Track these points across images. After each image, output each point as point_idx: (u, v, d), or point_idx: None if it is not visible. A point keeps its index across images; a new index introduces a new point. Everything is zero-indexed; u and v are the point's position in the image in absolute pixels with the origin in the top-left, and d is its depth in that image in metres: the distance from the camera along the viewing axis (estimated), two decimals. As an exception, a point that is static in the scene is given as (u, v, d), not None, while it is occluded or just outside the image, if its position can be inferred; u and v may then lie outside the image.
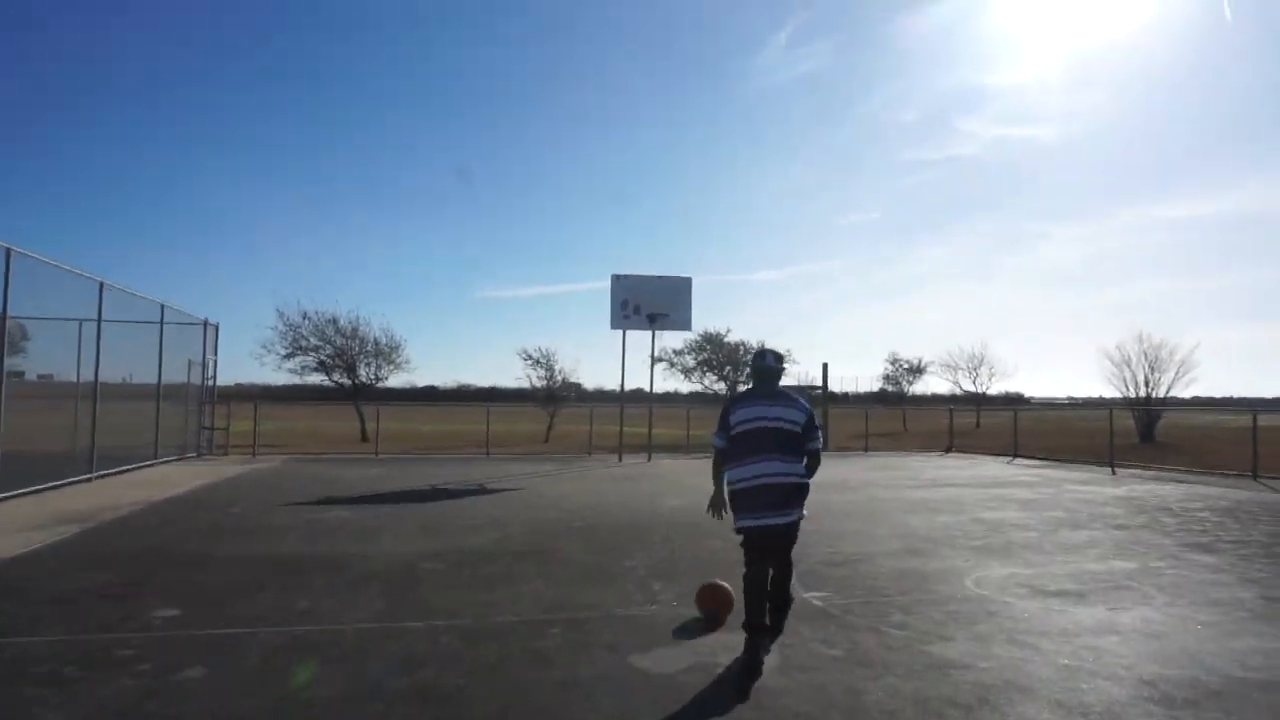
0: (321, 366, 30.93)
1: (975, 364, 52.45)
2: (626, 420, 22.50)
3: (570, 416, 33.72)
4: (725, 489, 5.05)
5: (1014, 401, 65.92)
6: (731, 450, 4.98)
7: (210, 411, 21.05)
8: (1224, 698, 4.19)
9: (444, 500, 12.11)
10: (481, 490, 13.45)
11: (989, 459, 22.13)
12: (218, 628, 5.29)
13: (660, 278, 19.73)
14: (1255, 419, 17.41)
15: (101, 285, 14.08)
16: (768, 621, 4.97)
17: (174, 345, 18.67)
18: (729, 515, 5.03)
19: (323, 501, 11.62)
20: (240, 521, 9.76)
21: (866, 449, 25.43)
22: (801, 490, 4.94)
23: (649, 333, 20.29)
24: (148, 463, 16.79)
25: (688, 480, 15.24)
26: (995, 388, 55.34)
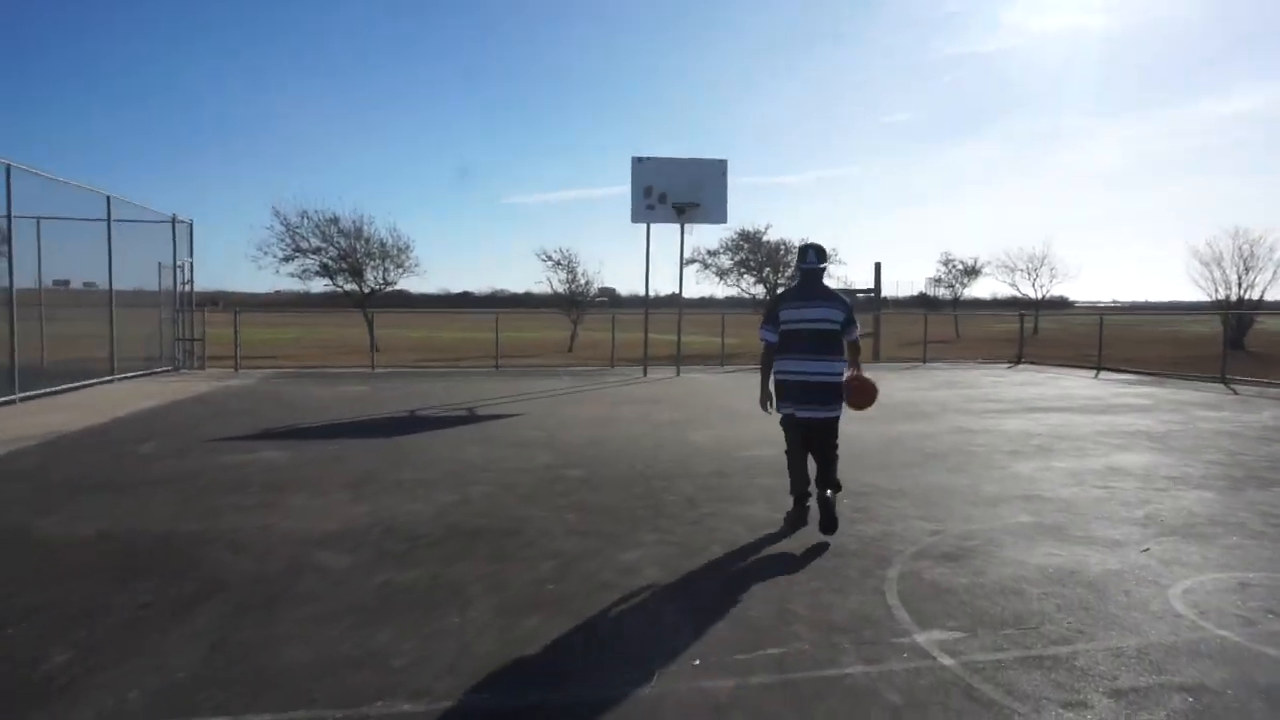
0: (325, 270, 28.42)
1: (1035, 265, 48.52)
2: (660, 327, 19.87)
3: (599, 323, 31.17)
4: (771, 382, 5.44)
5: (1058, 306, 61.82)
6: (780, 345, 5.36)
7: (189, 320, 18.82)
8: None
9: (412, 434, 9.66)
10: (468, 418, 10.98)
11: (1068, 372, 19.22)
12: None
13: (689, 160, 16.45)
14: None
15: (8, 168, 11.54)
16: (813, 505, 5.31)
17: (134, 246, 16.29)
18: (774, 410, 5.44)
19: (261, 436, 9.24)
20: (130, 470, 7.40)
21: (925, 359, 22.60)
22: (840, 388, 5.32)
23: (678, 229, 17.37)
24: (102, 379, 14.61)
25: (720, 402, 12.66)
26: (1055, 291, 51.65)
